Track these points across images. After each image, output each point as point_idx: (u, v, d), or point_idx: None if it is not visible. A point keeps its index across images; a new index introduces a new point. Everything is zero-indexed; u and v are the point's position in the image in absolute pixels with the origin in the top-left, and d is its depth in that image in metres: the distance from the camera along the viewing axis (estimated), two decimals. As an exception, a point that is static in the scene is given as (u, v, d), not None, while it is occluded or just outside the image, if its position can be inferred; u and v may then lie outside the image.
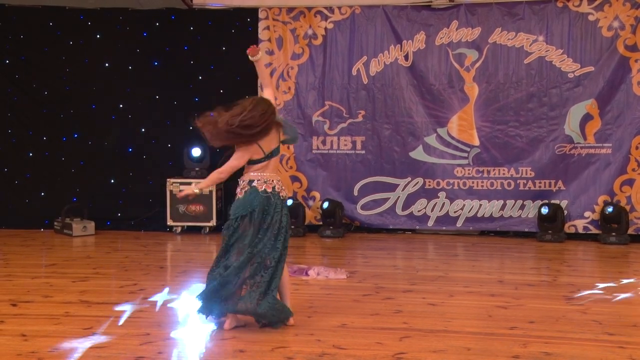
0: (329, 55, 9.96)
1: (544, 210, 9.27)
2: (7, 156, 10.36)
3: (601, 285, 6.78)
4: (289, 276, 6.97)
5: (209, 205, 9.84)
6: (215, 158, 9.99)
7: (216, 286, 5.10)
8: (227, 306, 5.12)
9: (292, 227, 9.64)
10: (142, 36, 10.30)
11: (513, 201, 9.65)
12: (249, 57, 5.46)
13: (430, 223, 9.89)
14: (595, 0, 9.31)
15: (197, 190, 5.21)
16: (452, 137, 9.76)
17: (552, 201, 9.42)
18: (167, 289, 6.42)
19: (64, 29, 10.25)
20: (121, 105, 10.34)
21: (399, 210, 9.94)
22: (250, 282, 5.11)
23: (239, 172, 5.36)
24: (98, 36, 10.29)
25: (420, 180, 9.86)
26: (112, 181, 10.37)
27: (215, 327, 5.18)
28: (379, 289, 6.56)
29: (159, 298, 6.12)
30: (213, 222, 9.87)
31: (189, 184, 9.70)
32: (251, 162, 5.23)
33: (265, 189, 5.18)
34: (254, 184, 5.19)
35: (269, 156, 5.23)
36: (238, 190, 5.26)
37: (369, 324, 5.36)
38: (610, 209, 9.09)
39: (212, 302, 5.15)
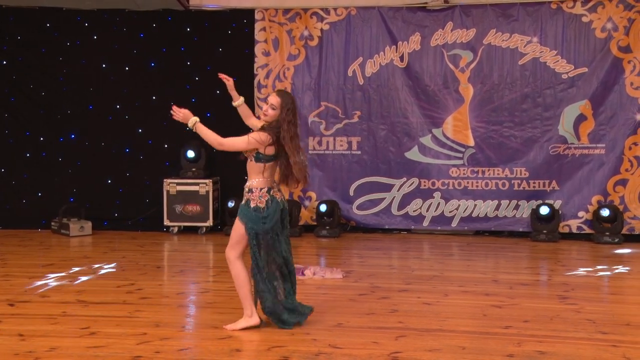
0: (325, 56, 10.00)
1: (544, 211, 9.30)
2: (5, 156, 10.37)
3: (595, 285, 6.85)
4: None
5: (205, 206, 9.87)
6: (211, 159, 10.07)
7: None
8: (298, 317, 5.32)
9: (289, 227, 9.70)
10: (138, 37, 10.32)
11: (507, 201, 9.71)
12: (234, 103, 5.54)
13: (425, 223, 9.94)
14: (589, 2, 9.37)
15: (191, 125, 5.10)
16: (447, 138, 9.82)
17: (546, 201, 9.48)
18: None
19: (61, 30, 10.27)
20: (118, 106, 10.36)
21: (394, 210, 9.99)
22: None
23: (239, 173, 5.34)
24: (95, 37, 10.30)
25: (415, 180, 9.91)
26: (109, 181, 10.39)
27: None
28: (375, 288, 6.60)
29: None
30: (210, 222, 9.90)
31: (186, 184, 9.85)
32: (262, 159, 5.10)
33: (282, 199, 5.25)
34: (272, 192, 5.16)
35: (277, 155, 5.14)
36: (253, 197, 5.13)
37: (364, 323, 5.40)
38: (606, 213, 9.13)
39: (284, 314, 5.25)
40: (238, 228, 5.18)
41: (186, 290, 6.72)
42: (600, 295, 6.43)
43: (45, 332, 5.14)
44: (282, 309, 5.19)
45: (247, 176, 5.27)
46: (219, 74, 5.56)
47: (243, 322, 5.21)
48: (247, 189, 5.19)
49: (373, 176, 10.01)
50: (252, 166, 5.18)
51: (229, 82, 5.48)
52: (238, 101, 5.50)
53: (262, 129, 5.17)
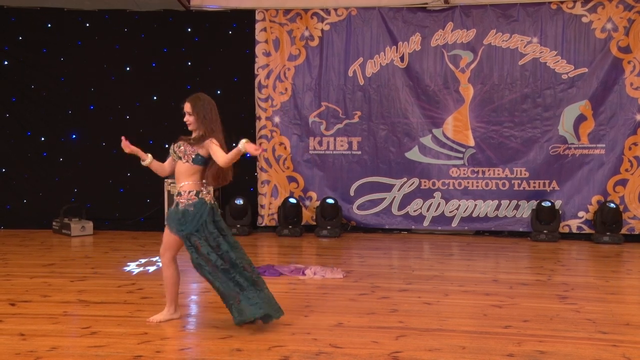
0: (326, 57, 10.02)
1: (546, 204, 9.33)
2: (6, 157, 10.40)
3: (595, 285, 6.86)
4: (288, 275, 7.07)
5: (206, 206, 9.88)
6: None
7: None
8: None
9: (290, 227, 9.75)
10: (139, 37, 10.35)
11: (508, 201, 9.73)
12: (143, 163, 5.48)
13: (425, 223, 9.96)
14: (589, 3, 9.39)
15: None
16: (448, 138, 9.84)
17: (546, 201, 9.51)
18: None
19: (62, 31, 10.30)
20: (119, 106, 10.39)
21: (394, 210, 10.01)
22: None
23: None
24: (96, 37, 10.33)
25: (415, 180, 9.94)
26: (110, 181, 10.42)
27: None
28: (375, 288, 6.61)
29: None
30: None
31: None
32: (200, 162, 5.19)
33: (211, 201, 5.28)
34: (201, 195, 5.20)
35: (210, 157, 5.22)
36: (181, 199, 5.20)
37: (365, 323, 5.41)
38: (612, 205, 9.16)
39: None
40: (168, 232, 5.27)
41: (187, 290, 6.72)
42: (600, 295, 6.43)
43: (46, 331, 5.14)
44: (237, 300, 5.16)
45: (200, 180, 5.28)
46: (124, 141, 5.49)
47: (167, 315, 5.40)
48: (176, 192, 5.28)
49: (373, 176, 10.04)
50: (185, 168, 5.24)
51: (129, 148, 5.48)
52: (147, 160, 5.47)
53: (199, 138, 5.20)
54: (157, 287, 6.73)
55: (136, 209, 10.36)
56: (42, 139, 10.43)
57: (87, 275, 7.13)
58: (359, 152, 10.06)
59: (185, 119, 5.32)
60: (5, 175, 10.43)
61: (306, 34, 10.04)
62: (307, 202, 10.13)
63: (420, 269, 7.67)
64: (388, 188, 10.01)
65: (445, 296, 6.31)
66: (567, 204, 9.57)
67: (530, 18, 9.55)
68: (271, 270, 7.19)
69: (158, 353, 4.67)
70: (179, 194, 5.24)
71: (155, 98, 10.38)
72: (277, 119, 10.13)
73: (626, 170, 9.41)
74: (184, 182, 5.23)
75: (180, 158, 5.26)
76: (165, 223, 5.31)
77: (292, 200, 9.89)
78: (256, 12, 10.09)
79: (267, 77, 10.09)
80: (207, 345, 4.88)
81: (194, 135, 5.31)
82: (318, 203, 9.95)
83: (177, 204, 5.21)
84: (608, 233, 9.16)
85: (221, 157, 5.06)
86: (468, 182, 9.85)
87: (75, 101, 10.37)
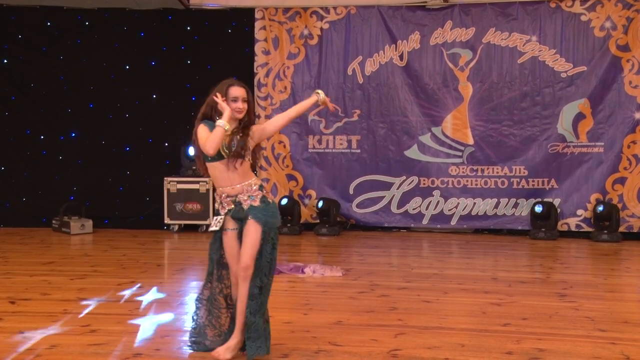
0: (325, 55, 10.03)
1: (538, 209, 9.36)
2: (5, 155, 10.41)
3: (593, 282, 6.87)
4: (287, 273, 7.08)
5: (205, 204, 9.91)
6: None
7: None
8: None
9: (289, 225, 9.76)
10: (139, 36, 10.35)
11: (507, 199, 9.75)
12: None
13: (425, 221, 9.97)
14: (588, 1, 9.40)
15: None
16: (447, 136, 9.85)
17: (545, 199, 9.52)
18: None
19: (62, 29, 10.31)
20: (119, 105, 10.39)
21: (394, 209, 10.02)
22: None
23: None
24: (95, 36, 10.34)
25: (415, 178, 9.95)
26: (110, 180, 10.42)
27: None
28: (374, 286, 6.62)
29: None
30: (210, 220, 9.93)
31: (186, 182, 9.88)
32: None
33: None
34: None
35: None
36: (265, 192, 4.48)
37: (364, 321, 5.42)
38: (601, 208, 9.18)
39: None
40: (257, 232, 4.42)
41: (186, 288, 6.74)
42: (598, 293, 6.44)
43: (46, 329, 5.15)
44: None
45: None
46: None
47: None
48: (255, 187, 4.45)
49: (373, 174, 10.05)
50: (247, 166, 4.50)
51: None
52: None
53: (247, 126, 4.52)
54: (157, 285, 6.74)
55: (136, 207, 10.37)
56: (42, 137, 10.44)
57: (87, 273, 7.14)
58: (358, 151, 10.08)
59: (237, 106, 4.43)
60: (4, 173, 10.44)
61: (305, 32, 10.05)
62: (307, 201, 10.14)
63: (420, 267, 7.68)
64: (387, 186, 10.03)
65: (445, 294, 6.32)
66: (566, 202, 9.59)
67: (529, 16, 9.56)
68: (271, 269, 7.19)
69: (157, 351, 4.68)
70: (261, 187, 4.48)
71: (154, 96, 10.38)
72: (276, 118, 10.12)
73: (625, 168, 9.42)
74: (253, 178, 4.50)
75: (242, 157, 4.40)
76: (253, 219, 4.39)
77: (284, 200, 9.85)
78: (255, 10, 10.10)
79: (267, 75, 10.10)
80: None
81: (232, 126, 4.43)
82: (317, 202, 9.96)
83: (264, 197, 4.45)
84: (606, 231, 9.17)
85: (280, 121, 4.61)
86: (467, 181, 9.86)
87: (75, 99, 10.37)
